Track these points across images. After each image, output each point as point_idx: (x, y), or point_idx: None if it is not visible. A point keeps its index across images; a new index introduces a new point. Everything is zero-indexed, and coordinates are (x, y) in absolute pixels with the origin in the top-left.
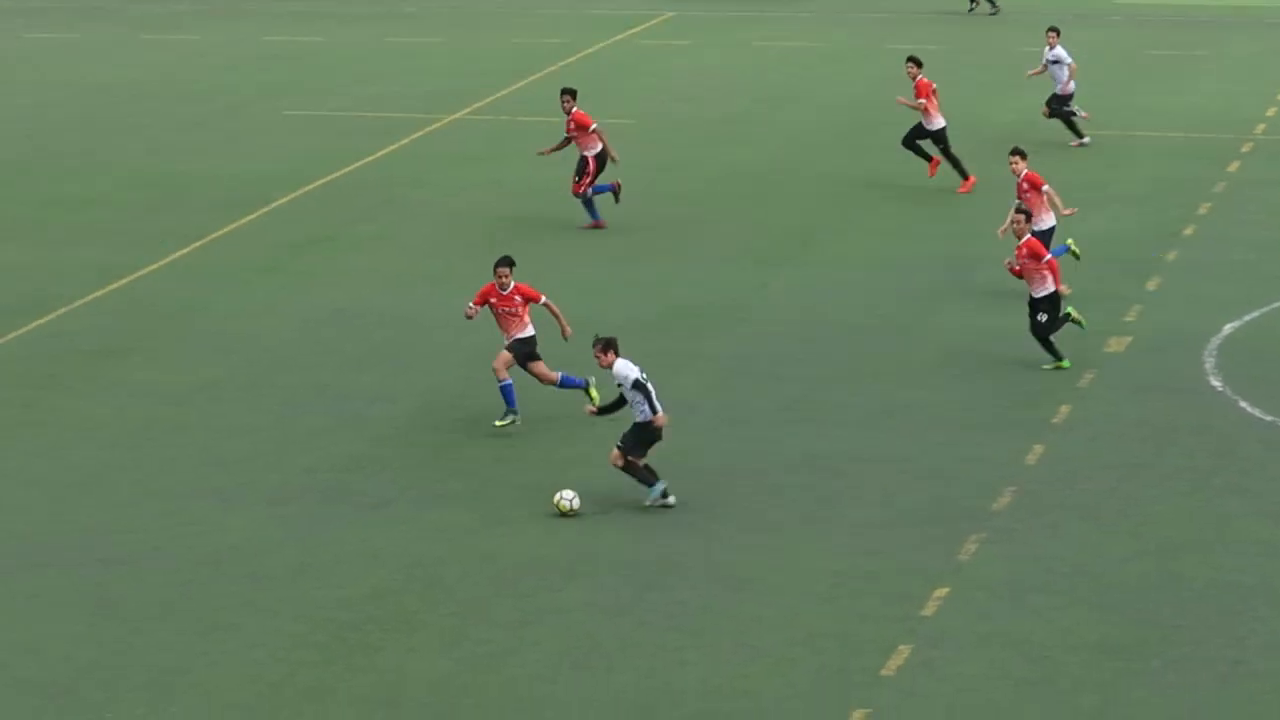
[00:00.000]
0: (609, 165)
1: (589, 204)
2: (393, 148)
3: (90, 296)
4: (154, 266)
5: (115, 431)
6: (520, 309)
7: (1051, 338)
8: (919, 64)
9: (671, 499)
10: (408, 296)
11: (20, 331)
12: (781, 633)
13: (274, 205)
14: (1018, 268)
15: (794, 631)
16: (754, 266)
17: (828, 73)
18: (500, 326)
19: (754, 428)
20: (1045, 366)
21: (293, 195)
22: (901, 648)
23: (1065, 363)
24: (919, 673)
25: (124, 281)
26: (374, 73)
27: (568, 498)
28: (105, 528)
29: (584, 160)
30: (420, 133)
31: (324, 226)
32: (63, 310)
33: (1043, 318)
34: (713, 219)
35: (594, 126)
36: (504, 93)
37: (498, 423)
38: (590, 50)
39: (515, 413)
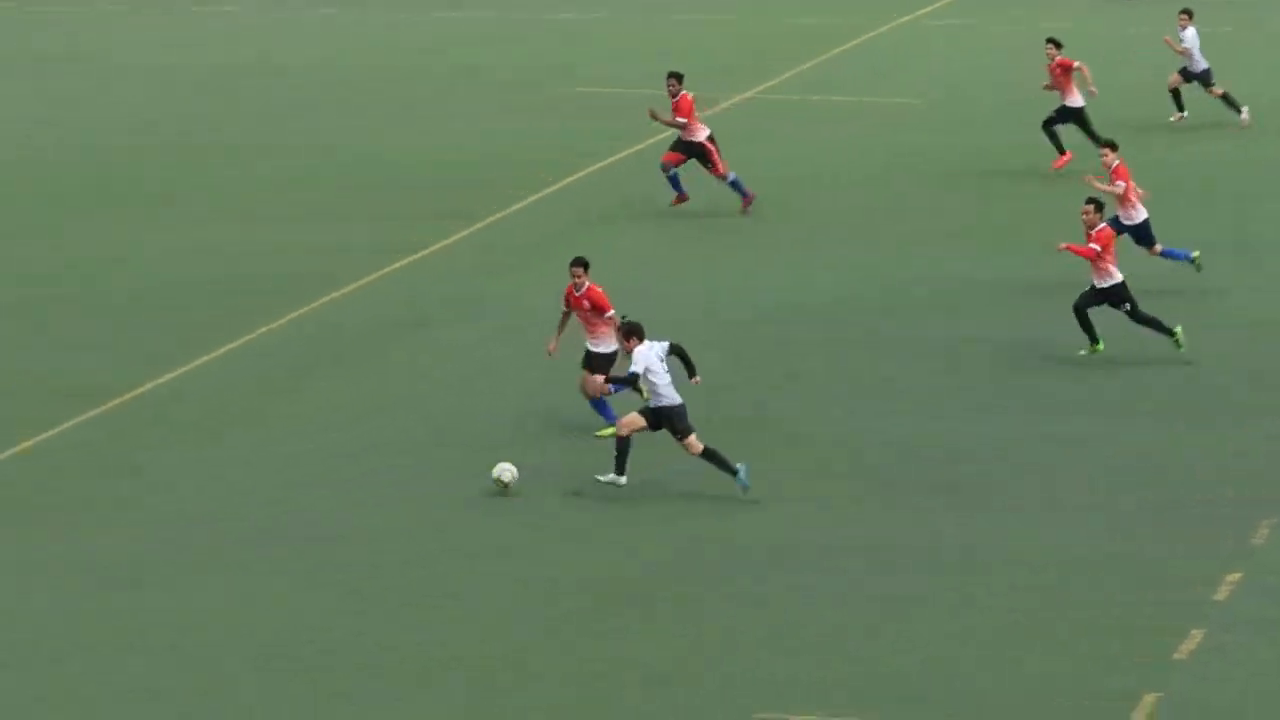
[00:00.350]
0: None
1: (736, 184)
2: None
3: (375, 276)
4: (442, 245)
5: (383, 413)
6: (588, 314)
7: (1091, 316)
8: (1059, 45)
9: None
10: (695, 275)
11: (303, 311)
12: (1074, 614)
13: (565, 183)
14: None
15: (1086, 613)
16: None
17: (1111, 55)
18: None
19: (1009, 413)
20: (1081, 352)
21: (583, 173)
22: (1194, 632)
23: (1100, 346)
24: (1211, 657)
25: (408, 261)
26: (661, 50)
27: (504, 472)
28: (347, 503)
29: (698, 146)
30: (709, 111)
31: (614, 204)
32: (347, 290)
33: (1127, 307)
34: (1000, 200)
35: (683, 122)
36: (792, 72)
37: (597, 434)
38: (878, 30)
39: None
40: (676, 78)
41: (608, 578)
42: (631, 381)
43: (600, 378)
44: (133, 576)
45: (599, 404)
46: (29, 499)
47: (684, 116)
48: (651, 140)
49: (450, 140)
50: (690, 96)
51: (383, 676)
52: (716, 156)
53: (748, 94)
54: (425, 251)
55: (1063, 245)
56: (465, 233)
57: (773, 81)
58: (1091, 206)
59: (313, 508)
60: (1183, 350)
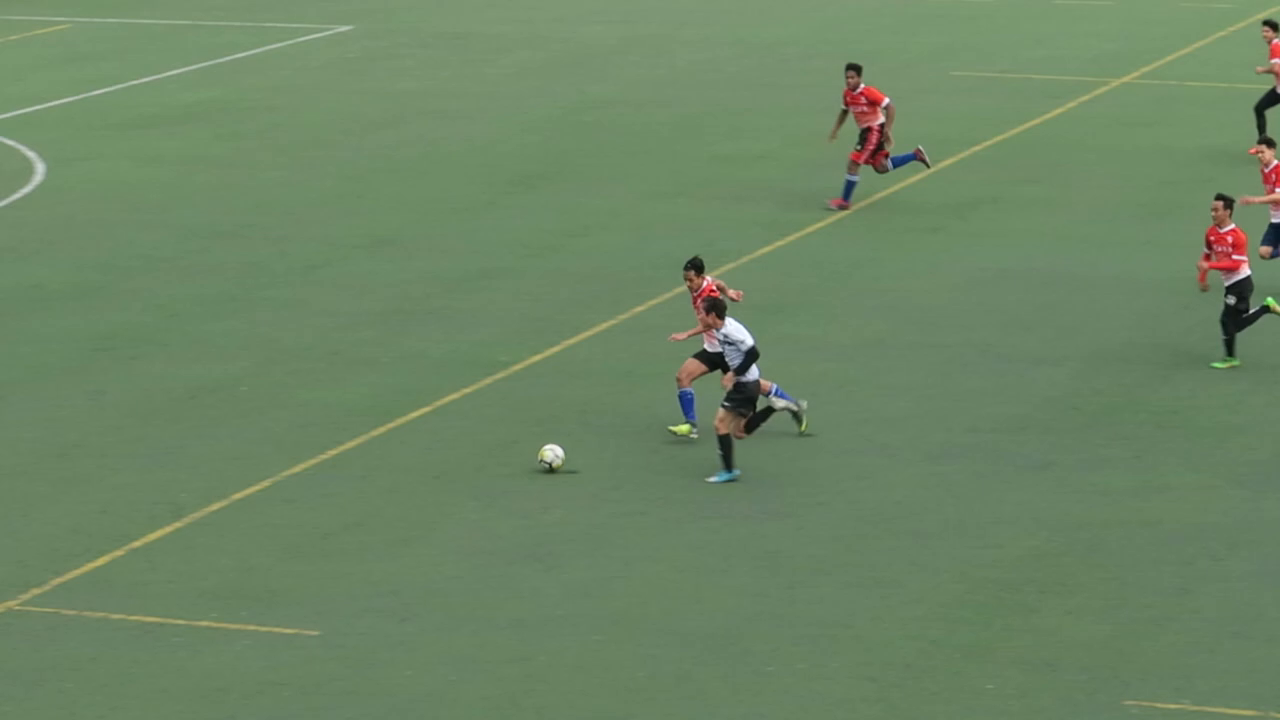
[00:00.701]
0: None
1: (850, 184)
2: (1058, 110)
3: (760, 252)
4: (821, 225)
5: (782, 386)
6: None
7: (1235, 332)
8: (1275, 28)
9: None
10: (1072, 258)
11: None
12: None
13: (941, 166)
14: (1213, 261)
15: None
16: None
17: None
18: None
19: None
20: (1216, 365)
21: (960, 156)
22: None
23: (1236, 360)
24: None
25: (793, 238)
26: (1042, 34)
27: (553, 455)
28: (772, 481)
29: (865, 131)
30: (1086, 96)
31: (990, 187)
32: (732, 265)
33: (1231, 300)
34: None
35: (886, 102)
36: (1171, 57)
37: (671, 429)
38: (1264, 14)
39: (693, 424)
40: (855, 69)
41: (981, 566)
42: (753, 356)
43: (693, 364)
44: (531, 551)
45: (686, 401)
46: (450, 458)
47: (868, 107)
48: (1024, 125)
49: (828, 119)
50: (873, 89)
51: (800, 656)
52: (869, 148)
53: (1125, 78)
54: (813, 227)
55: (1210, 264)
56: (850, 211)
57: (1150, 66)
58: (1220, 203)
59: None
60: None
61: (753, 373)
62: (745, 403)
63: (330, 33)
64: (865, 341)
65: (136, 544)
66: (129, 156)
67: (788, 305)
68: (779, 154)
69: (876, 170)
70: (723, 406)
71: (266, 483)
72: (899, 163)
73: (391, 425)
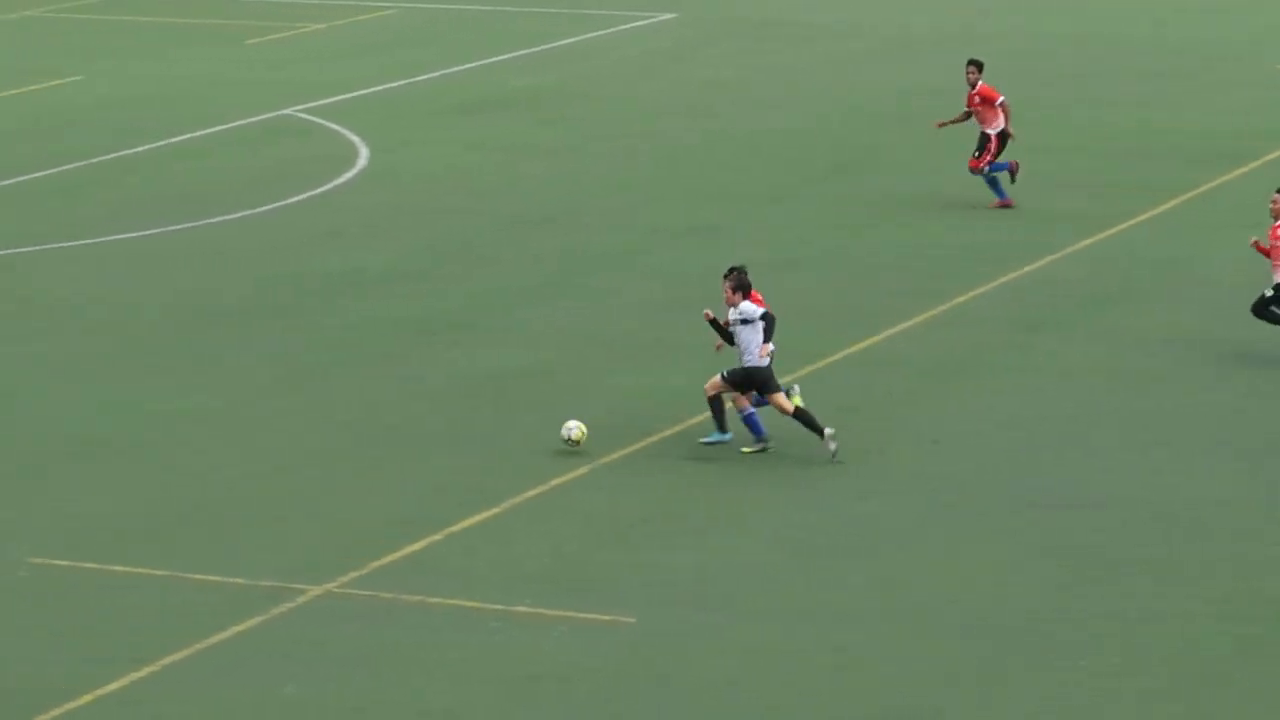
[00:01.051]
0: (1009, 143)
1: (993, 183)
2: None
3: (1079, 245)
4: (1141, 218)
5: (1096, 377)
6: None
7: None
8: None
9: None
10: None
11: (1015, 275)
12: None
13: (1264, 160)
14: (1265, 246)
15: None
16: None
17: None
18: None
19: None
20: None
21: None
22: None
23: None
24: None
25: (1111, 232)
26: None
27: (571, 430)
28: (1081, 474)
29: (985, 137)
30: None
31: None
32: (1053, 257)
33: (1269, 292)
34: None
35: (1001, 100)
36: None
37: (745, 450)
38: None
39: (764, 441)
40: (976, 66)
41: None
42: (769, 325)
43: (717, 379)
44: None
45: (750, 421)
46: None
47: (982, 106)
48: None
49: (1149, 114)
50: (989, 86)
51: (1105, 650)
52: (989, 154)
53: None
54: (1132, 221)
55: (1253, 240)
56: (1170, 204)
57: None
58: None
59: (1042, 473)
60: None
61: (764, 361)
62: (744, 382)
63: (654, 20)
64: (1181, 336)
65: (454, 528)
66: (450, 143)
67: (1103, 299)
68: (1092, 147)
69: (972, 171)
70: (721, 376)
71: (583, 469)
72: (996, 169)
73: (707, 414)
